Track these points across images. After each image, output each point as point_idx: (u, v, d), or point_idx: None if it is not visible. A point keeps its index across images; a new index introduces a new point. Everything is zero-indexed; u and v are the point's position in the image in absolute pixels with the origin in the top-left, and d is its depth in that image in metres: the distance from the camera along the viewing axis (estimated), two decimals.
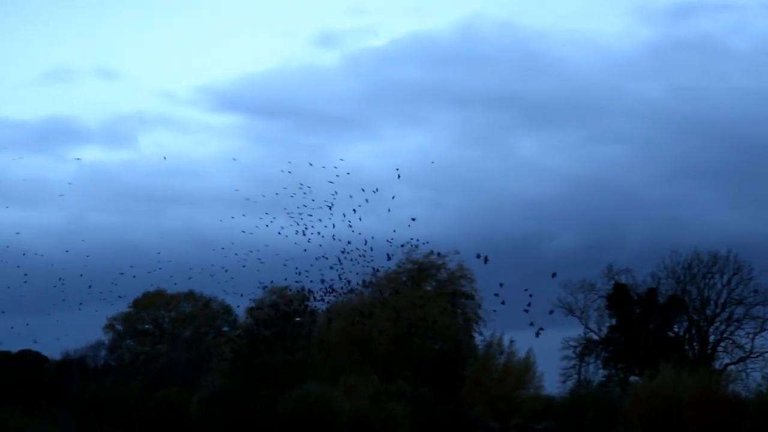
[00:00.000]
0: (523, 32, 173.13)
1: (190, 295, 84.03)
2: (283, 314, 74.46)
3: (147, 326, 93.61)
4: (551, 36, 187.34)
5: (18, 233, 47.99)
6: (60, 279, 59.58)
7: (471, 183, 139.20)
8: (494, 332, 70.64)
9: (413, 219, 60.22)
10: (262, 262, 62.03)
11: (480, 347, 74.73)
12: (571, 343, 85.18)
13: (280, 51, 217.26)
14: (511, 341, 68.86)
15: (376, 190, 58.43)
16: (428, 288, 77.69)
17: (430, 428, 65.41)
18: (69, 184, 47.40)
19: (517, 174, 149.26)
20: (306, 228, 63.15)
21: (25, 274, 55.43)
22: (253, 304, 77.61)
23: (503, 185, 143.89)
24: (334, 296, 72.88)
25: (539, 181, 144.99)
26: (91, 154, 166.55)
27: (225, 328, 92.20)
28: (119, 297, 65.99)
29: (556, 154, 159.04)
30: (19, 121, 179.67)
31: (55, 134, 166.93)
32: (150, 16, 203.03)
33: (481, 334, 76.81)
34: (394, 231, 58.12)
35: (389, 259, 69.60)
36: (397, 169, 63.38)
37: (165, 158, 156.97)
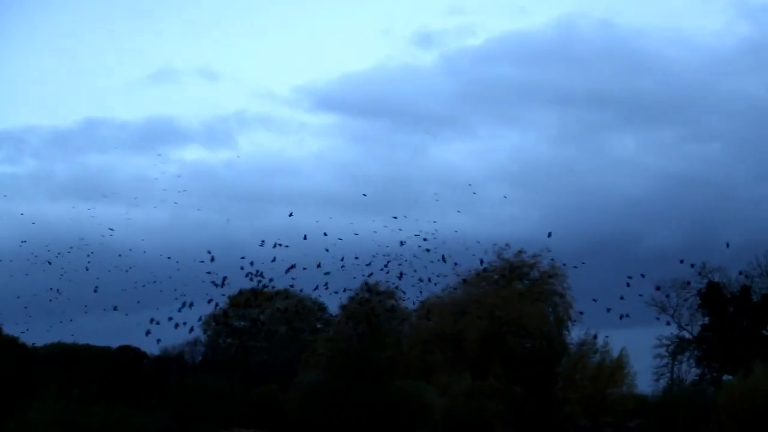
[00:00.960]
0: (622, 30, 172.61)
1: (285, 293, 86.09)
2: (375, 311, 76.20)
3: (243, 323, 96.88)
4: (649, 34, 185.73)
5: (112, 230, 49.97)
6: (155, 276, 61.81)
7: (566, 182, 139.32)
8: (587, 331, 71.43)
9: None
10: (357, 259, 63.36)
11: (572, 346, 75.63)
12: (664, 341, 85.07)
13: (378, 51, 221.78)
14: (606, 341, 69.58)
15: (473, 190, 59.35)
16: (520, 286, 78.65)
17: (522, 426, 66.53)
18: (178, 176, 49.46)
19: (614, 172, 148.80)
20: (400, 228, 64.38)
21: (126, 271, 57.84)
22: (346, 302, 79.27)
23: (599, 184, 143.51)
24: (426, 294, 74.48)
25: (635, 179, 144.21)
26: (193, 154, 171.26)
27: (319, 326, 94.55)
28: (222, 294, 68.25)
29: (653, 152, 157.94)
30: (123, 121, 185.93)
31: (157, 134, 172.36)
32: (251, 18, 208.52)
33: (569, 332, 77.52)
34: (488, 229, 59.25)
35: (482, 263, 71.07)
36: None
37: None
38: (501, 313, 72.84)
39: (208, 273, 57.56)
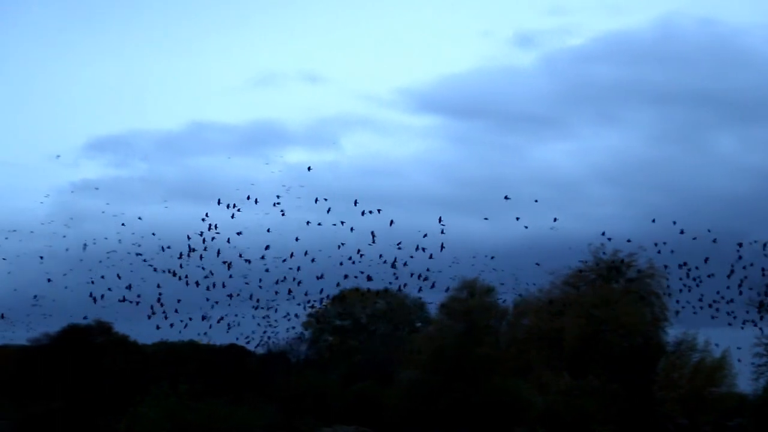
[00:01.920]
0: (723, 28, 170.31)
1: (385, 292, 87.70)
2: (472, 309, 77.56)
3: (344, 322, 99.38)
4: (751, 32, 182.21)
5: (212, 229, 52.34)
6: (260, 276, 64.09)
7: (666, 181, 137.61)
8: (686, 330, 71.57)
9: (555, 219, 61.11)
10: (457, 262, 64.67)
11: (670, 345, 75.76)
12: (764, 340, 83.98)
13: (478, 52, 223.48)
14: (707, 340, 69.66)
15: (572, 190, 60.07)
16: (617, 285, 78.90)
17: (621, 424, 67.29)
18: (283, 186, 51.37)
19: (716, 171, 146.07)
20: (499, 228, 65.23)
21: (227, 268, 60.39)
22: (445, 300, 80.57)
23: (701, 183, 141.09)
24: (521, 293, 75.80)
25: (738, 178, 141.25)
26: (296, 156, 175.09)
27: (418, 324, 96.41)
28: (324, 294, 70.08)
29: (756, 150, 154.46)
30: (229, 125, 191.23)
31: (262, 137, 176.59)
32: (352, 21, 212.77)
33: (666, 331, 77.48)
34: (586, 229, 59.78)
35: (585, 262, 71.87)
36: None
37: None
38: (598, 312, 73.49)
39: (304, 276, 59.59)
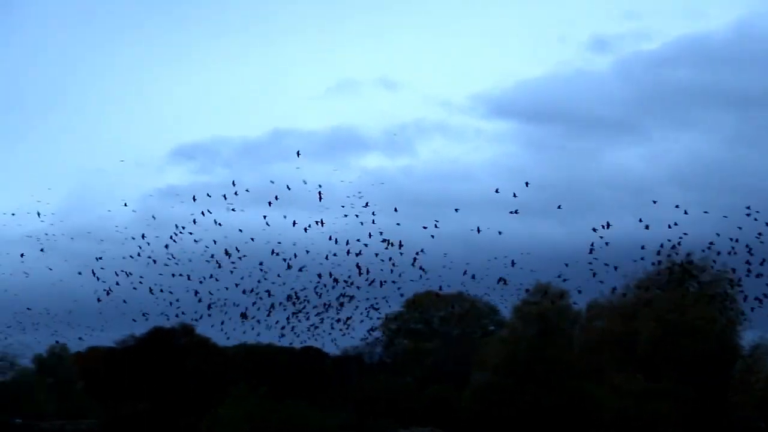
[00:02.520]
0: None
1: (458, 296, 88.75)
2: (545, 313, 78.42)
3: (418, 325, 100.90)
4: None
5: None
6: (335, 280, 65.09)
7: (742, 184, 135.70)
8: (763, 334, 71.46)
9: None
10: (533, 271, 64.99)
11: (746, 348, 75.64)
12: None
13: (553, 57, 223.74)
14: None
15: (647, 193, 59.72)
16: (690, 289, 78.79)
17: (696, 427, 67.58)
18: (358, 193, 52.61)
19: None
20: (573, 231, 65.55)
21: (298, 271, 61.59)
22: (519, 304, 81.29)
23: None
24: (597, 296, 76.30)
25: None
26: (373, 161, 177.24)
27: (491, 327, 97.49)
28: (401, 296, 70.98)
29: None
30: (308, 131, 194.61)
31: (340, 143, 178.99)
32: (428, 28, 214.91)
33: (740, 335, 77.23)
34: (660, 232, 59.80)
35: (659, 266, 72.05)
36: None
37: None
38: (671, 316, 73.71)
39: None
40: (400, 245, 51.50)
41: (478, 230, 52.71)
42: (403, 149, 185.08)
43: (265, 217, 51.69)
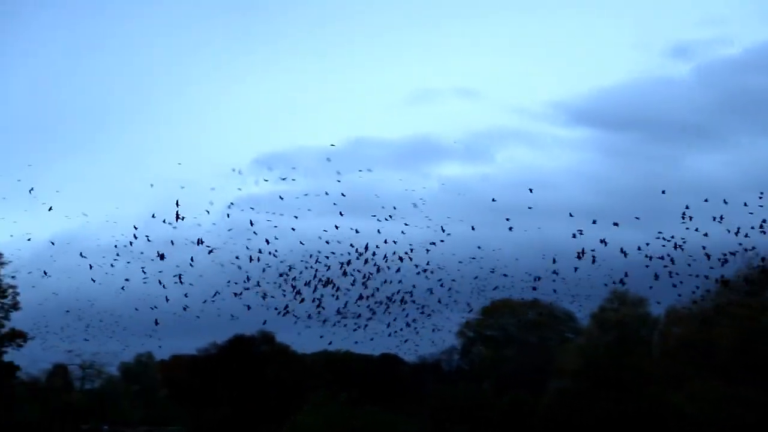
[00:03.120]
0: None
1: (535, 303, 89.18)
2: (623, 320, 78.59)
3: (495, 332, 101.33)
4: None
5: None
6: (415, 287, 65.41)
7: None
8: None
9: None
10: (613, 282, 64.83)
11: None
12: None
13: (632, 63, 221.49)
14: None
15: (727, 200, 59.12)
16: None
17: None
18: (421, 202, 53.58)
19: None
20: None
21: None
22: (596, 311, 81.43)
23: None
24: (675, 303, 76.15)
25: None
26: (451, 170, 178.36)
27: (568, 335, 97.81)
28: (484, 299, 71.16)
29: None
30: (386, 140, 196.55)
31: (418, 151, 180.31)
32: (506, 36, 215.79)
33: None
34: (741, 239, 59.29)
35: (739, 271, 71.69)
36: None
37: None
38: (750, 322, 73.21)
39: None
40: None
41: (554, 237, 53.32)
42: (480, 157, 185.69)
43: (337, 227, 52.94)
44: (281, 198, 52.81)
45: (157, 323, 63.32)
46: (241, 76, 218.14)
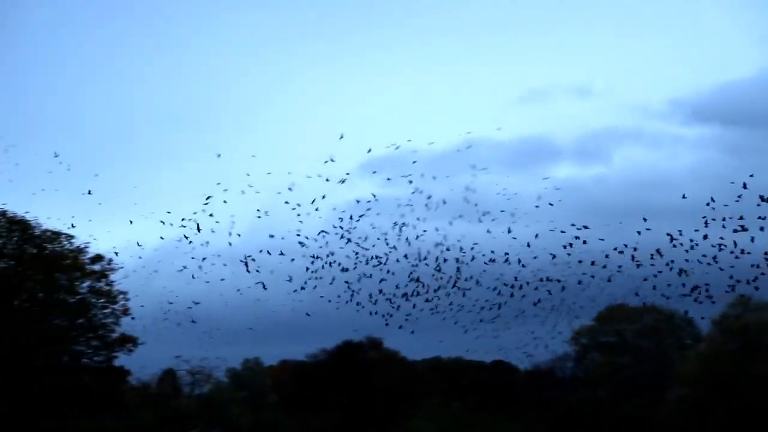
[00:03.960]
0: None
1: (652, 308, 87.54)
2: (748, 326, 76.48)
3: (610, 339, 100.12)
4: None
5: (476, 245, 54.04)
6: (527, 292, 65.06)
7: None
8: None
9: None
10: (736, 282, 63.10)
11: None
12: None
13: (756, 59, 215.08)
14: None
15: None
16: None
17: None
18: (549, 204, 52.89)
19: None
20: None
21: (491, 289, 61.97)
22: (717, 317, 79.50)
23: None
24: None
25: None
26: (565, 171, 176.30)
27: (688, 341, 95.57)
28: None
29: None
30: (497, 141, 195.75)
31: (530, 153, 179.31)
32: (623, 32, 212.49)
33: None
34: None
35: None
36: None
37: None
38: None
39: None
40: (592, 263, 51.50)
41: (671, 238, 52.17)
42: (595, 158, 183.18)
43: (436, 229, 52.74)
44: (392, 200, 52.79)
45: (251, 329, 64.30)
46: (348, 76, 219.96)
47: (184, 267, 54.60)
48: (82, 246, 79.99)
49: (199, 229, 50.37)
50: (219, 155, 55.91)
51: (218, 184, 50.36)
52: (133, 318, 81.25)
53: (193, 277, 55.11)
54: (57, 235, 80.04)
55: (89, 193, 53.49)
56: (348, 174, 52.42)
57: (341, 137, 49.06)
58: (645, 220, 51.42)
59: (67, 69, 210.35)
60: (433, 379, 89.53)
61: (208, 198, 49.99)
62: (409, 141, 49.05)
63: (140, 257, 56.42)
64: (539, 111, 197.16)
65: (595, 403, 79.68)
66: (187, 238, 50.46)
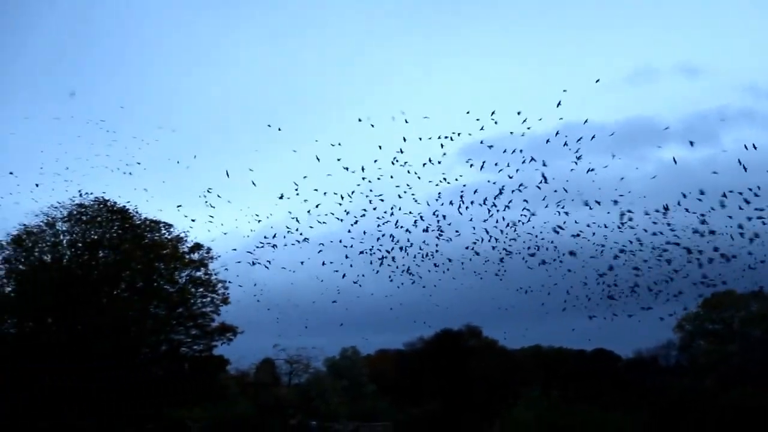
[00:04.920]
0: None
1: (759, 295, 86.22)
2: None
3: (716, 326, 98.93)
4: None
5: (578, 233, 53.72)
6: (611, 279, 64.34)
7: None
8: None
9: None
10: None
11: None
12: None
13: None
14: None
15: None
16: None
17: None
18: (652, 177, 52.40)
19: None
20: None
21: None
22: None
23: None
24: None
25: None
26: (671, 153, 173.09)
27: None
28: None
29: None
30: (602, 123, 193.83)
31: (635, 135, 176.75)
32: (733, 8, 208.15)
33: None
34: None
35: None
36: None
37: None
38: None
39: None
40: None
41: None
42: (704, 139, 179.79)
43: (528, 216, 52.85)
44: (492, 186, 53.04)
45: (341, 325, 64.99)
46: (445, 60, 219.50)
47: (287, 253, 56.06)
48: (181, 235, 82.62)
49: (297, 220, 51.68)
50: (295, 151, 57.22)
51: (303, 177, 51.40)
52: (228, 304, 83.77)
53: (293, 272, 56.56)
54: (156, 224, 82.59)
55: (209, 191, 54.21)
56: (448, 161, 53.11)
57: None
58: (747, 202, 51.04)
59: (172, 58, 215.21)
60: (533, 368, 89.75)
61: (296, 187, 51.11)
62: (524, 123, 49.30)
63: (234, 249, 57.88)
64: (645, 92, 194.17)
65: (700, 392, 79.00)
66: (287, 227, 51.80)
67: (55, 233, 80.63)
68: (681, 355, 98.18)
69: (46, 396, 70.19)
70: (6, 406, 69.68)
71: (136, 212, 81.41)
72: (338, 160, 50.32)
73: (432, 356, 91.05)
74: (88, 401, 71.57)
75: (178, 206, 59.10)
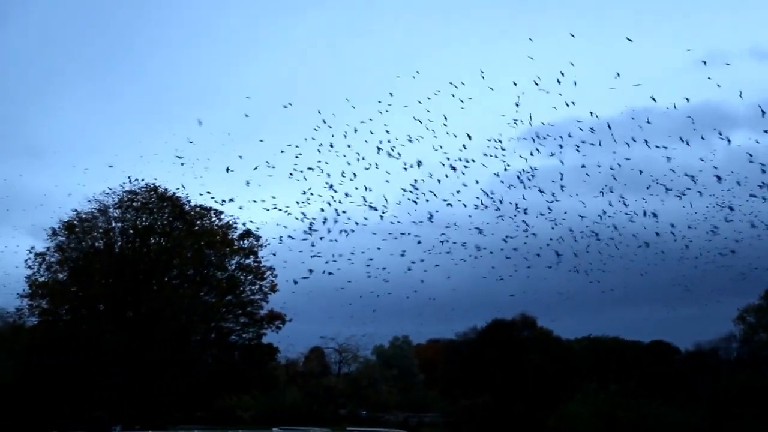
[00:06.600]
0: None
1: None
2: None
3: None
4: None
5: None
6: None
7: None
8: None
9: None
10: None
11: None
12: None
13: None
14: None
15: None
16: None
17: None
18: (714, 174, 52.32)
19: None
20: None
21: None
22: None
23: None
24: None
25: None
26: (740, 139, 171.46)
27: None
28: None
29: None
30: (667, 109, 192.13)
31: (703, 120, 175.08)
32: None
33: None
34: None
35: None
36: None
37: None
38: None
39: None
40: None
41: None
42: None
43: (610, 204, 53.10)
44: (553, 172, 53.34)
45: (374, 311, 65.11)
46: (501, 42, 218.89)
47: (336, 241, 56.75)
48: (231, 222, 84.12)
49: (338, 213, 52.46)
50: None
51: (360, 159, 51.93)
52: (276, 292, 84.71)
53: (332, 258, 57.29)
54: (206, 211, 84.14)
55: (251, 177, 55.07)
56: (508, 145, 53.52)
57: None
58: None
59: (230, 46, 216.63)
60: (589, 359, 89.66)
61: (343, 174, 51.57)
62: (571, 110, 49.67)
63: (289, 236, 58.71)
64: (714, 76, 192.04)
65: (763, 386, 79.05)
66: (337, 212, 52.58)
67: (107, 219, 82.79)
68: (742, 348, 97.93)
69: (99, 388, 72.35)
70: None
71: (187, 199, 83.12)
72: (392, 149, 50.99)
73: (484, 347, 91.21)
74: (138, 390, 73.59)
75: (230, 200, 59.91)
